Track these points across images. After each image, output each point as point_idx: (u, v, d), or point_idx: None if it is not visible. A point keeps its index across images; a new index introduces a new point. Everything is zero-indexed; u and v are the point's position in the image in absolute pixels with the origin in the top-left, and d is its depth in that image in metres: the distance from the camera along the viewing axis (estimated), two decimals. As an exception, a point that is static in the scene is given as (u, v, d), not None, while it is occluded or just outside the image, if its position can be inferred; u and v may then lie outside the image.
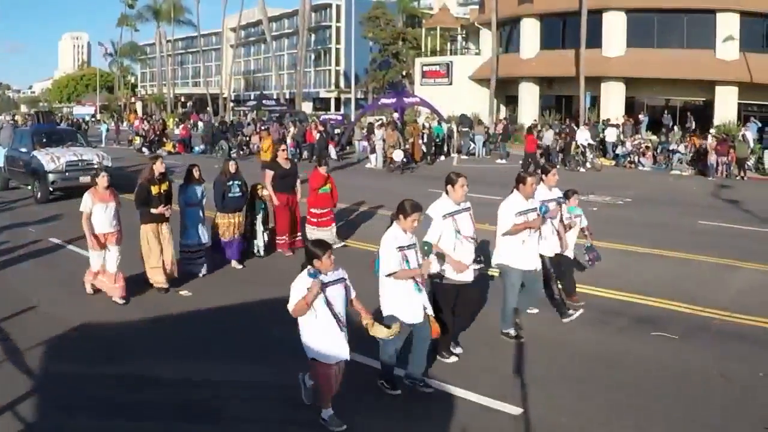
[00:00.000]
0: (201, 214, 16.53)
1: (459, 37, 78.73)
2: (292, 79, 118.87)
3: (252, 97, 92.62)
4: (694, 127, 53.74)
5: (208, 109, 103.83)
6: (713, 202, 30.73)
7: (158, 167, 15.06)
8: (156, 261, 15.03)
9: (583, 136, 44.70)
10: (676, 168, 42.94)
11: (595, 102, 59.31)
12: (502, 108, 69.28)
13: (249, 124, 60.97)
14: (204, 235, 16.53)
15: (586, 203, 29.31)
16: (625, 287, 15.65)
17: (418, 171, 41.60)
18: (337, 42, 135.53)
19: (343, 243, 19.47)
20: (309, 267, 8.53)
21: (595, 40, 58.29)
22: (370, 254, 13.18)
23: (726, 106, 55.51)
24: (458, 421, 9.15)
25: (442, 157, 48.69)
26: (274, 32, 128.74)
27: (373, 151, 44.46)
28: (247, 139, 53.39)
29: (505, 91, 68.57)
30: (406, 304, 9.66)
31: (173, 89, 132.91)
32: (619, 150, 47.00)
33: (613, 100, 59.21)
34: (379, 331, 9.21)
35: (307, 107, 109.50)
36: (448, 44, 79.94)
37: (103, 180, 14.35)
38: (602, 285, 15.70)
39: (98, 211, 14.21)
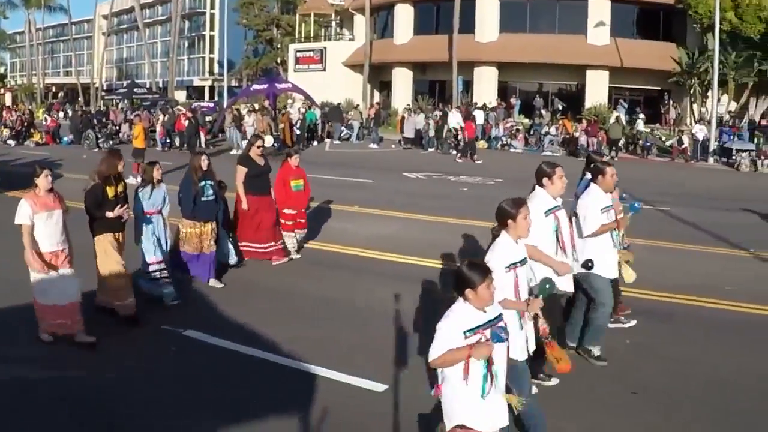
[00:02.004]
0: (163, 222, 12.90)
1: (333, 23, 78.46)
2: (166, 68, 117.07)
3: (124, 86, 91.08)
4: (560, 109, 54.64)
5: (79, 99, 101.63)
6: None
7: (120, 166, 11.98)
8: (122, 276, 11.59)
9: (455, 119, 44.84)
10: (547, 150, 43.44)
11: (468, 87, 59.60)
12: (376, 93, 69.14)
13: (123, 112, 59.63)
14: (167, 249, 13.08)
15: (457, 184, 29.61)
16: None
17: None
18: (212, 29, 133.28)
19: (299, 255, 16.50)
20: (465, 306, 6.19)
21: (468, 25, 58.58)
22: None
23: (597, 89, 56.76)
24: (322, 401, 8.94)
25: (315, 143, 48.48)
26: (147, 19, 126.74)
27: (244, 137, 43.90)
28: (117, 128, 52.26)
29: (379, 77, 68.64)
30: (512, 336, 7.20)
31: (44, 79, 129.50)
32: (492, 133, 47.36)
33: (486, 85, 59.67)
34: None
35: (180, 95, 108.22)
36: (323, 30, 79.63)
37: (45, 180, 10.57)
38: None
39: (41, 222, 10.47)
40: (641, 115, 48.33)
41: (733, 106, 53.09)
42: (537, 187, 9.37)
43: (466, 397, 6.15)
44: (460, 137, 43.60)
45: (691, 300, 13.33)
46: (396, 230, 19.71)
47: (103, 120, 53.35)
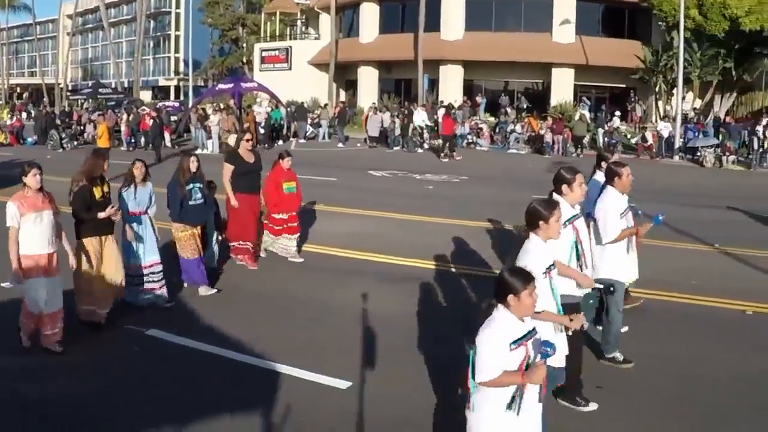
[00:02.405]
0: (150, 223, 12.35)
1: (299, 22, 78.18)
2: (131, 67, 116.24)
3: (89, 86, 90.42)
4: (525, 107, 54.78)
5: (44, 99, 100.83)
6: (548, 178, 31.20)
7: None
8: (106, 284, 11.13)
9: (420, 117, 44.82)
10: (513, 147, 43.49)
11: (434, 85, 59.57)
12: (342, 92, 68.96)
13: (87, 112, 59.09)
14: (155, 249, 12.34)
15: (422, 182, 29.61)
16: (460, 262, 15.70)
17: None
18: (177, 29, 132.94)
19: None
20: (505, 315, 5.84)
21: (433, 24, 58.45)
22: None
23: (562, 87, 56.87)
24: (286, 399, 8.84)
25: (280, 142, 48.28)
26: (112, 19, 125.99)
27: (209, 136, 43.72)
28: (82, 128, 51.82)
29: (345, 76, 68.36)
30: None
31: (8, 80, 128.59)
32: (458, 130, 47.38)
33: (451, 83, 59.64)
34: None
35: (146, 95, 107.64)
36: (288, 29, 79.41)
37: (34, 179, 9.95)
38: (432, 258, 15.82)
39: (29, 224, 9.85)
40: (617, 113, 49.06)
41: (698, 103, 53.37)
42: (554, 194, 8.87)
43: (501, 416, 5.83)
44: (426, 136, 43.60)
45: (660, 295, 13.28)
46: (361, 228, 19.61)
47: (67, 120, 52.88)
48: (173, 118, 53.12)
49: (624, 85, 57.06)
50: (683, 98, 46.64)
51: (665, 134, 43.32)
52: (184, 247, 12.99)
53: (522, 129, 46.44)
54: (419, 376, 9.57)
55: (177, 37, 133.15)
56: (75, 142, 46.16)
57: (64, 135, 46.27)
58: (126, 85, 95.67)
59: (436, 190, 27.54)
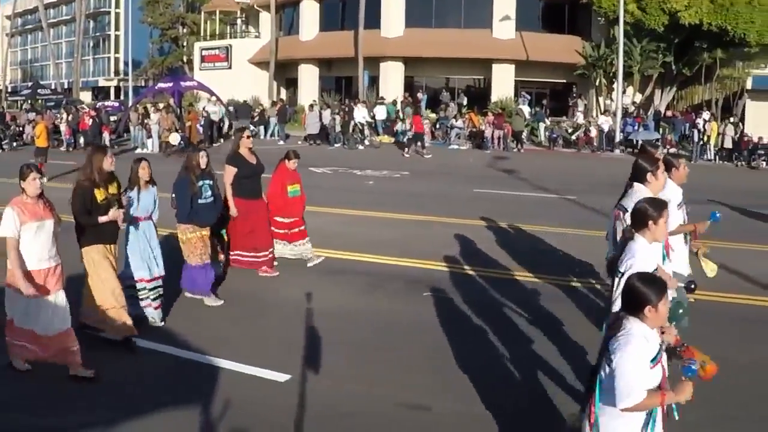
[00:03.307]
0: (154, 229, 11.23)
1: (239, 21, 77.72)
2: (71, 68, 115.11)
3: (28, 87, 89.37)
4: (465, 103, 54.83)
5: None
6: (489, 172, 32.03)
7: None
8: (117, 297, 9.91)
9: (360, 114, 44.76)
10: (454, 143, 43.49)
11: (374, 82, 59.45)
12: (283, 90, 68.62)
13: (25, 112, 58.35)
14: (160, 262, 11.20)
15: (363, 177, 29.54)
16: (401, 254, 15.67)
17: (196, 154, 40.49)
18: (117, 29, 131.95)
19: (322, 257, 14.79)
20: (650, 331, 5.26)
21: (373, 21, 58.15)
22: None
23: (503, 83, 56.81)
24: (224, 393, 8.65)
25: (222, 140, 47.97)
26: (51, 19, 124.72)
27: (149, 135, 43.31)
28: (21, 129, 51.14)
29: (285, 74, 67.90)
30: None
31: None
32: (399, 127, 47.33)
33: (392, 80, 59.36)
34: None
35: (86, 96, 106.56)
36: (228, 28, 78.97)
37: (33, 185, 8.83)
38: (375, 252, 15.84)
39: (30, 234, 8.67)
40: (580, 107, 50.43)
41: (639, 97, 53.64)
42: (636, 184, 8.48)
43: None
44: (366, 132, 43.56)
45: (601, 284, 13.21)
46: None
47: (7, 122, 52.23)
48: (113, 118, 52.62)
49: (564, 81, 57.26)
50: (624, 92, 46.94)
51: (605, 128, 43.63)
52: (192, 251, 11.97)
53: (463, 125, 46.50)
54: (360, 370, 9.50)
55: (117, 38, 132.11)
56: (15, 143, 45.62)
57: (3, 136, 45.74)
58: (66, 86, 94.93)
59: (377, 185, 27.51)
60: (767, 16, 46.33)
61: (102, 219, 9.77)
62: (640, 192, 8.20)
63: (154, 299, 11.06)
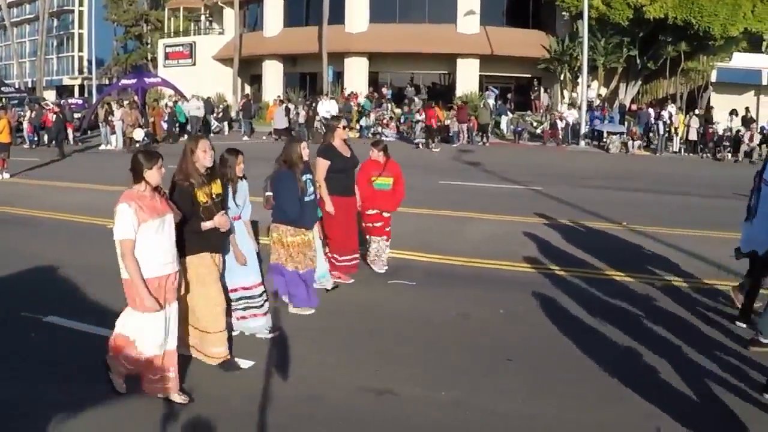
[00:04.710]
0: (247, 230, 9.74)
1: (203, 17, 77.33)
2: (35, 67, 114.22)
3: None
4: (427, 97, 54.80)
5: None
6: (454, 165, 32.27)
7: (205, 154, 8.35)
8: (219, 319, 8.58)
9: (324, 108, 44.68)
10: (419, 137, 43.37)
11: (339, 77, 59.31)
12: (247, 87, 68.31)
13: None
14: (257, 267, 9.82)
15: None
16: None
17: (160, 150, 40.14)
18: (80, 27, 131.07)
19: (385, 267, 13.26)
20: None
21: (338, 16, 57.92)
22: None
23: (468, 78, 56.86)
24: (190, 378, 8.42)
25: (185, 137, 47.71)
26: (14, 18, 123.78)
27: (113, 131, 43.00)
28: (-18, 127, 50.75)
29: (250, 70, 67.58)
30: None
31: None
32: (363, 122, 47.25)
33: (357, 75, 59.17)
34: None
35: (50, 95, 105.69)
36: (192, 25, 78.57)
37: (158, 174, 7.45)
38: None
39: (149, 234, 7.35)
40: (566, 100, 50.71)
41: (603, 91, 53.84)
42: None
43: None
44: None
45: (567, 271, 13.42)
46: (258, 216, 19.29)
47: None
48: (76, 115, 52.27)
49: (529, 75, 57.20)
50: (588, 86, 47.04)
51: (570, 121, 43.73)
52: (294, 256, 10.58)
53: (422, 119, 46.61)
54: (326, 356, 9.37)
55: (80, 36, 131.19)
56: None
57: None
58: (30, 84, 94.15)
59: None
60: (731, 9, 46.66)
61: (206, 225, 8.27)
62: None
63: (259, 307, 9.74)
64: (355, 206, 12.42)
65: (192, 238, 8.21)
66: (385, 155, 12.80)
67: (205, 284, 8.40)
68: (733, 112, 40.86)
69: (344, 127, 12.40)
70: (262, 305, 9.74)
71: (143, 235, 7.28)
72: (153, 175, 7.36)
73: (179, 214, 7.86)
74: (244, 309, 9.63)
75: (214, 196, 8.41)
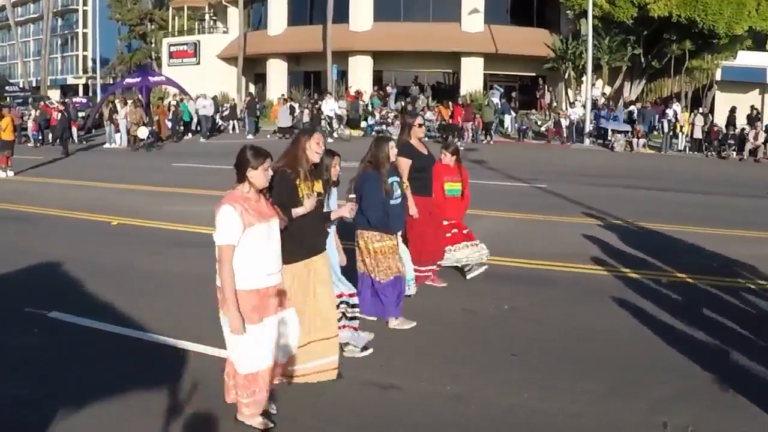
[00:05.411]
0: (335, 239, 9.18)
1: (207, 16, 77.34)
2: (39, 66, 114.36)
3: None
4: (430, 96, 54.78)
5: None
6: None
7: (317, 147, 7.78)
8: (332, 325, 8.09)
9: (328, 107, 44.63)
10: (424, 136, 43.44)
11: (343, 76, 59.25)
12: (251, 86, 68.19)
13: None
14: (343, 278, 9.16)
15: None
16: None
17: (164, 148, 40.41)
18: (85, 26, 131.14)
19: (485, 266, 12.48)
20: None
21: (342, 15, 57.85)
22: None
23: (472, 76, 56.85)
24: (192, 374, 8.42)
25: (189, 135, 47.79)
26: (19, 18, 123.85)
27: (117, 130, 43.02)
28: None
29: (254, 69, 67.55)
30: None
31: None
32: (369, 120, 47.28)
33: (361, 74, 59.18)
34: None
35: (54, 94, 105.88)
36: (197, 24, 78.56)
37: (264, 176, 6.77)
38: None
39: (255, 240, 6.66)
40: (575, 100, 49.93)
41: (608, 90, 53.75)
42: None
43: None
44: (335, 125, 43.47)
45: (571, 267, 13.40)
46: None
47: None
48: (81, 114, 52.30)
49: (534, 74, 57.27)
50: (593, 85, 46.98)
51: (574, 118, 43.67)
52: (379, 264, 9.81)
53: (432, 117, 46.49)
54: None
55: (85, 35, 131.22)
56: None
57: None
58: (34, 84, 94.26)
59: (345, 175, 27.35)
60: (735, 7, 46.59)
61: (297, 211, 7.57)
62: None
63: (352, 318, 9.01)
64: (434, 208, 11.56)
65: (289, 240, 7.37)
66: (457, 158, 12.08)
67: (298, 290, 7.75)
68: (733, 110, 40.82)
69: (420, 125, 11.65)
70: (356, 316, 9.06)
71: (248, 242, 6.61)
72: (258, 176, 6.71)
73: (284, 219, 7.21)
74: (341, 319, 8.78)
75: (317, 195, 7.79)
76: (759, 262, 13.39)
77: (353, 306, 8.97)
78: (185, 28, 76.87)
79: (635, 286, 12.18)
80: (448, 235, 11.92)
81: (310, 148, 7.70)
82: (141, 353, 9.29)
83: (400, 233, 10.41)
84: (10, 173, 27.34)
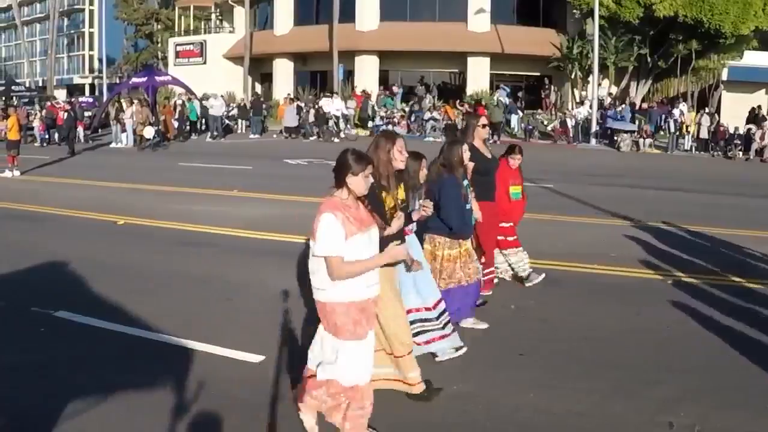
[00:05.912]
0: (418, 246, 8.66)
1: (213, 16, 77.34)
2: (46, 66, 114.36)
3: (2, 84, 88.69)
4: (436, 95, 54.76)
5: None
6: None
7: (400, 155, 7.46)
8: (407, 339, 7.60)
9: (334, 106, 44.65)
10: (429, 135, 43.36)
11: (349, 76, 59.25)
12: (257, 86, 68.27)
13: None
14: (434, 284, 8.74)
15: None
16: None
17: (171, 148, 40.45)
18: (91, 26, 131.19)
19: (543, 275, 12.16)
20: None
21: (348, 14, 57.88)
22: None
23: (478, 76, 56.79)
24: (199, 374, 8.42)
25: (195, 135, 47.83)
26: (25, 17, 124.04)
27: (123, 130, 43.04)
28: (-6, 125, 50.83)
29: (260, 69, 67.60)
30: None
31: None
32: (376, 120, 47.30)
33: (367, 74, 59.09)
34: None
35: (61, 94, 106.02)
36: (203, 23, 78.59)
37: (365, 182, 6.36)
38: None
39: (356, 249, 6.21)
40: (585, 100, 49.63)
41: (614, 89, 53.71)
42: None
43: None
44: (341, 125, 43.52)
45: (577, 266, 13.42)
46: (276, 211, 19.38)
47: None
48: (87, 113, 52.33)
49: (540, 74, 57.12)
50: (599, 85, 46.98)
51: (580, 118, 43.66)
52: (445, 270, 9.44)
53: (440, 116, 46.47)
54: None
55: (91, 35, 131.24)
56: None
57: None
58: (40, 84, 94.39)
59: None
60: (742, 7, 46.48)
61: (390, 230, 7.11)
62: None
63: (441, 328, 8.51)
64: (496, 214, 11.16)
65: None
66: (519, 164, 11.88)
67: (388, 308, 7.29)
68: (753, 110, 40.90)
69: (484, 126, 11.14)
70: (448, 323, 8.60)
71: (349, 251, 6.16)
72: (358, 183, 6.29)
73: (384, 226, 6.86)
74: (435, 329, 8.46)
75: (399, 204, 7.41)
76: None
77: (434, 319, 8.42)
78: (191, 28, 76.80)
79: (642, 285, 12.23)
80: (503, 237, 11.69)
81: (395, 158, 7.37)
82: (147, 352, 9.30)
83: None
84: (17, 173, 27.35)
